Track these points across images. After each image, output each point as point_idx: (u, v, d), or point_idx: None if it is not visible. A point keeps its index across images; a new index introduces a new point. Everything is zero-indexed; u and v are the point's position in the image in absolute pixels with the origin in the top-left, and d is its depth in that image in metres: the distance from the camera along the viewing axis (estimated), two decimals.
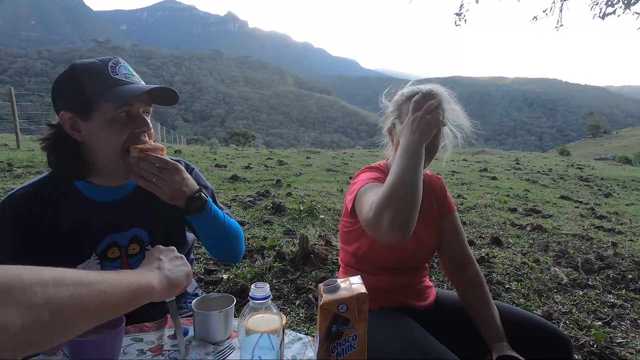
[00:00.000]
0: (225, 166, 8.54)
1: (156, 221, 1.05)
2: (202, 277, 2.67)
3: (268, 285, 0.62)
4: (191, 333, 0.88)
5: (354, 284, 0.62)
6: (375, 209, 0.88)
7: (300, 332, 0.91)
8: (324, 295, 0.60)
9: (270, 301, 0.62)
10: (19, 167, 6.27)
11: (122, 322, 0.72)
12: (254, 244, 3.31)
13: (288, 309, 2.33)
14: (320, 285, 0.63)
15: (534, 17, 5.13)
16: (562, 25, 4.94)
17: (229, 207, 4.76)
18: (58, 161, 0.95)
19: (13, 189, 0.96)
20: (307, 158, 11.75)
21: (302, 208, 4.61)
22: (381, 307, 1.12)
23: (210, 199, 1.01)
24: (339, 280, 0.63)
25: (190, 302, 0.88)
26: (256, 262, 2.95)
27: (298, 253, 2.91)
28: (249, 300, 0.63)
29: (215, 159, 9.78)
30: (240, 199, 5.15)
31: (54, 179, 0.97)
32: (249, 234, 3.70)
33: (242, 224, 4.00)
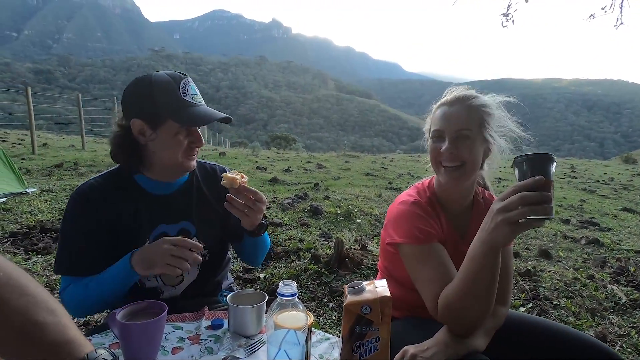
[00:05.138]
0: (266, 169, 8.79)
1: (203, 216, 1.16)
2: (241, 275, 2.77)
3: (295, 284, 0.65)
4: (226, 325, 0.94)
5: (378, 287, 0.63)
6: (445, 310, 0.89)
7: (329, 333, 0.93)
8: (348, 296, 0.62)
9: (297, 299, 0.64)
10: (83, 166, 6.91)
11: (165, 309, 0.78)
12: (291, 245, 3.38)
13: (321, 311, 2.36)
14: (346, 286, 0.64)
15: (591, 15, 4.74)
16: (622, 23, 4.50)
17: (268, 208, 4.90)
18: (119, 155, 1.09)
19: (77, 185, 1.10)
20: (346, 162, 11.75)
21: (338, 212, 4.63)
22: (407, 316, 1.11)
23: (267, 225, 1.15)
24: (364, 283, 0.64)
25: (226, 297, 0.94)
26: (292, 263, 3.01)
27: (333, 256, 2.93)
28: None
29: (256, 162, 10.10)
30: (279, 201, 5.27)
31: (118, 173, 1.13)
32: (286, 235, 3.78)
33: (280, 225, 4.10)
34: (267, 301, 0.91)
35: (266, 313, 0.86)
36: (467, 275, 0.85)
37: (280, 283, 0.64)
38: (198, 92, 1.08)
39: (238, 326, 0.89)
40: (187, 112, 1.02)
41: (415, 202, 1.07)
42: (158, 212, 1.11)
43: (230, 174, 1.01)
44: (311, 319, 0.78)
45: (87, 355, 0.55)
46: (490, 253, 0.80)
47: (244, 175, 1.03)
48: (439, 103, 1.10)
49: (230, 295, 0.93)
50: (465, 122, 1.01)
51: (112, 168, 1.14)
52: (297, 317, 0.65)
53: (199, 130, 1.09)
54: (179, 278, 1.12)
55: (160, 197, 1.13)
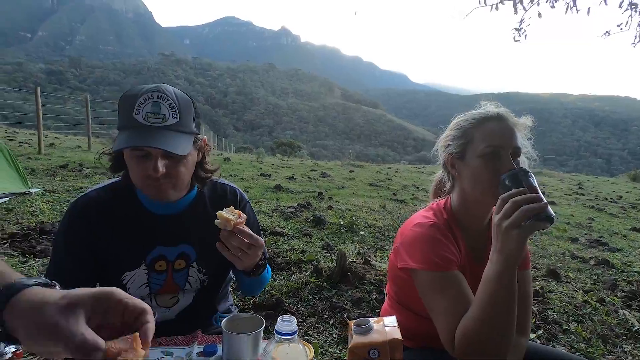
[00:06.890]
0: (269, 175, 8.75)
1: (206, 240, 1.05)
2: None
3: (295, 320, 0.59)
4: (219, 352, 0.87)
5: (387, 327, 0.57)
6: (463, 343, 0.81)
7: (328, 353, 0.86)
8: (354, 336, 0.56)
9: (296, 336, 0.58)
10: (87, 168, 6.90)
11: None
12: (292, 257, 3.30)
13: (321, 328, 2.28)
14: (351, 323, 0.58)
15: (606, 32, 4.67)
16: (639, 41, 4.43)
17: (270, 217, 4.84)
18: (114, 170, 1.03)
19: (81, 187, 1.04)
20: (351, 171, 11.69)
21: (342, 222, 4.56)
22: (420, 346, 1.04)
23: (267, 264, 1.10)
24: (371, 321, 0.58)
25: (222, 320, 0.88)
26: (293, 276, 2.94)
27: (335, 270, 2.86)
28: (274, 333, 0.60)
29: (261, 168, 10.07)
30: (282, 209, 5.21)
31: (121, 186, 1.04)
32: (288, 245, 3.71)
33: (282, 235, 4.03)
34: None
35: (263, 341, 0.80)
36: (483, 299, 0.80)
37: (279, 319, 0.58)
38: (163, 111, 0.91)
39: (233, 355, 0.82)
40: (125, 133, 0.91)
41: (433, 224, 0.98)
42: (157, 233, 1.04)
43: (225, 213, 0.89)
44: (311, 353, 0.72)
45: (14, 281, 0.49)
46: (505, 271, 0.78)
47: (242, 214, 0.91)
48: (479, 117, 0.98)
49: (225, 320, 0.86)
50: (518, 140, 0.97)
51: (117, 178, 1.07)
52: (296, 352, 0.59)
53: (177, 159, 0.93)
54: (174, 299, 1.06)
55: (162, 217, 1.05)
